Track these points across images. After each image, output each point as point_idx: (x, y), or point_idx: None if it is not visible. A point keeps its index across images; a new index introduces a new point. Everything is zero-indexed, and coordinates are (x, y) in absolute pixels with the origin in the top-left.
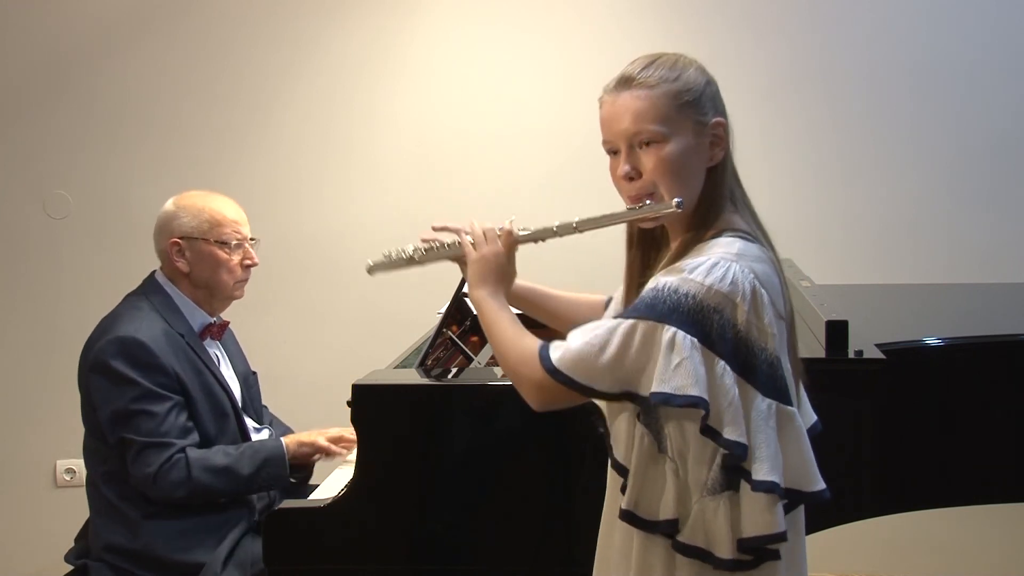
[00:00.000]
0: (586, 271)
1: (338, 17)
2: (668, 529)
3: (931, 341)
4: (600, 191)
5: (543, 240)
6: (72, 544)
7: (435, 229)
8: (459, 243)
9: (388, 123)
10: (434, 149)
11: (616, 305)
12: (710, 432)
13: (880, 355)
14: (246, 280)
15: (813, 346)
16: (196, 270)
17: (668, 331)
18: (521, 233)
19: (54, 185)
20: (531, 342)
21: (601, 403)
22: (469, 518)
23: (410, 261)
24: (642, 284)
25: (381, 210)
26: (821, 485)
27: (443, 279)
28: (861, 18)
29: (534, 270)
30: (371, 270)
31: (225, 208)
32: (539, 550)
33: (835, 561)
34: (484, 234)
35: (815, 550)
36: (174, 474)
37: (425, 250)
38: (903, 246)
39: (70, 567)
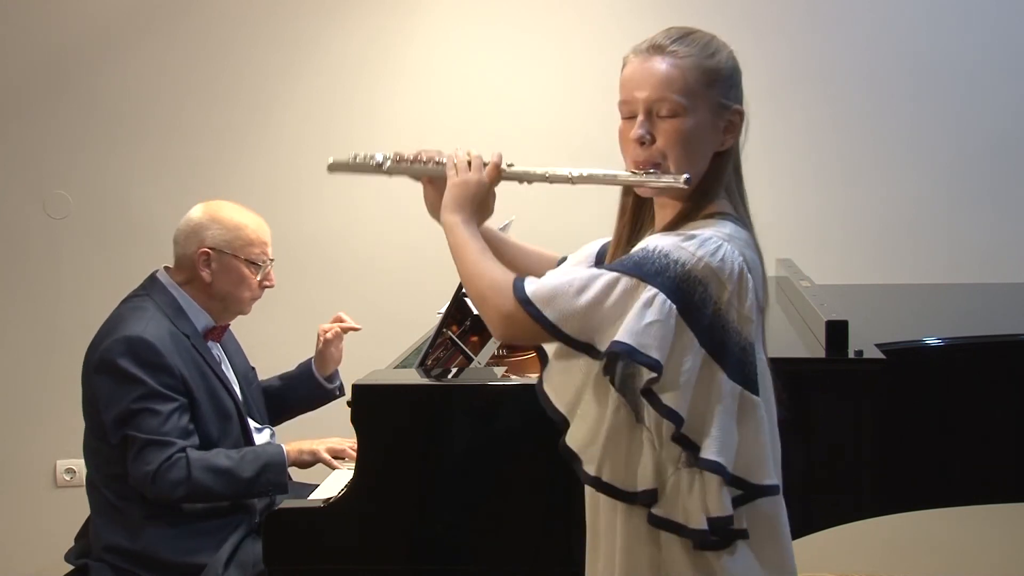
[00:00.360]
0: None
1: (338, 17)
2: (646, 499)
3: (931, 341)
4: (600, 190)
5: (529, 182)
6: (72, 544)
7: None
8: (438, 163)
9: (388, 123)
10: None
11: (575, 261)
12: (648, 395)
13: (880, 355)
14: (258, 299)
15: (813, 346)
16: (219, 282)
17: (649, 291)
18: (509, 169)
19: (54, 185)
20: (503, 272)
21: (557, 356)
22: (469, 518)
23: (377, 168)
24: (627, 252)
25: (381, 210)
26: (772, 480)
27: (443, 279)
28: (861, 18)
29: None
30: (331, 168)
31: (259, 228)
32: (539, 550)
33: (835, 561)
34: (470, 161)
35: (815, 550)
36: (173, 473)
37: (397, 160)
38: (903, 246)
39: (70, 567)
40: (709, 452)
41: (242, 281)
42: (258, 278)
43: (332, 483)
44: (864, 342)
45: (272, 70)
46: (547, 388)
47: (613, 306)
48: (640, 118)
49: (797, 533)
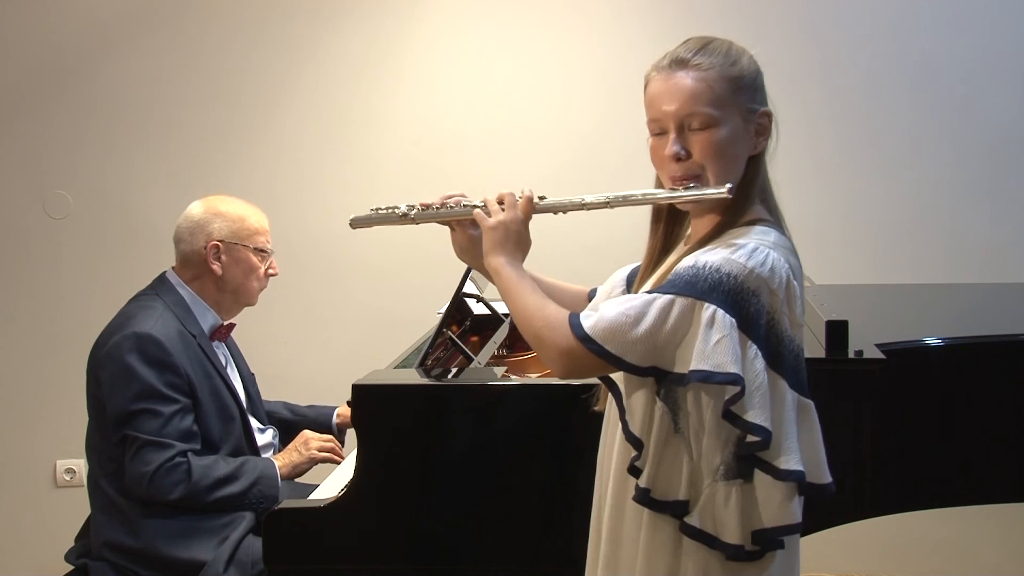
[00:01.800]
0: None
1: (338, 18)
2: (678, 510)
3: (931, 341)
4: (600, 191)
5: (564, 212)
6: (72, 544)
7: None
8: (467, 206)
9: (388, 124)
10: (434, 150)
11: (605, 291)
12: (730, 416)
13: (880, 355)
14: (263, 289)
15: (813, 346)
16: (229, 274)
17: (708, 309)
18: (543, 202)
19: (54, 185)
20: (557, 309)
21: (618, 376)
22: (469, 518)
23: (403, 218)
24: (658, 267)
25: None
26: (828, 479)
27: (443, 279)
28: (861, 18)
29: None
30: (353, 223)
31: (259, 217)
32: (539, 550)
33: (835, 561)
34: (502, 200)
35: (815, 550)
36: (173, 476)
37: (423, 207)
38: (903, 246)
39: (70, 567)
40: (791, 463)
41: (251, 270)
42: (264, 267)
43: (332, 483)
44: (864, 342)
45: (272, 70)
46: (628, 416)
47: (673, 329)
48: (672, 134)
49: None
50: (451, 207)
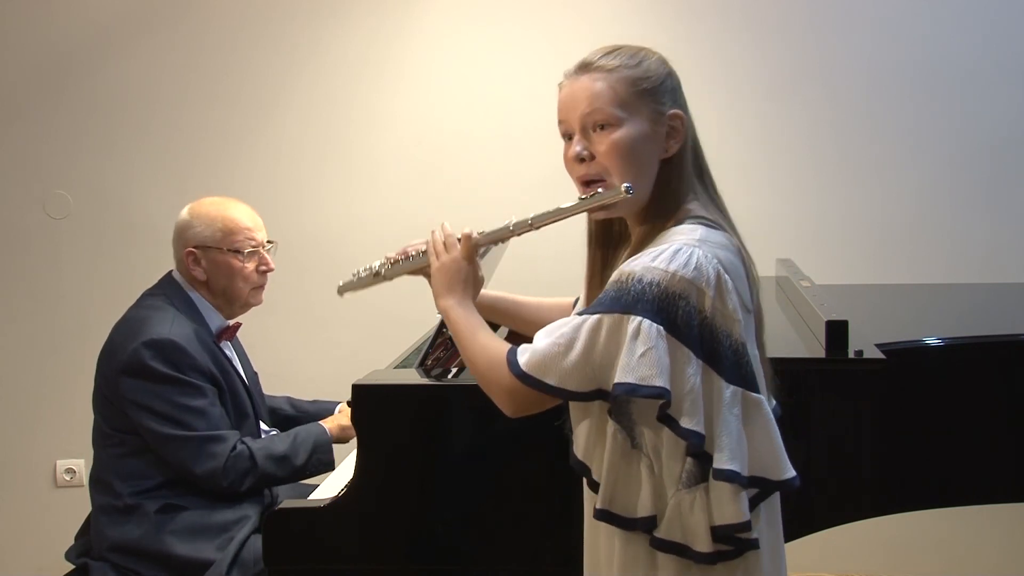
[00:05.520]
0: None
1: (338, 18)
2: (646, 526)
3: (931, 341)
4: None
5: (504, 241)
6: (72, 543)
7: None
8: (423, 254)
9: (388, 124)
10: (434, 150)
11: (581, 304)
12: (667, 420)
13: (880, 355)
14: (263, 286)
15: (813, 346)
16: (212, 278)
17: (634, 321)
18: (479, 236)
19: (54, 185)
20: (499, 347)
21: (572, 408)
22: (469, 518)
23: (377, 276)
24: (604, 281)
25: (381, 211)
26: (790, 473)
27: None
28: (861, 18)
29: (525, 279)
30: (341, 290)
31: (239, 215)
32: (538, 550)
33: (835, 561)
34: (444, 242)
35: (815, 550)
36: (240, 464)
37: (392, 263)
38: (903, 246)
39: (71, 566)
40: (722, 462)
41: (233, 273)
42: (250, 266)
43: (332, 483)
44: (864, 342)
45: (272, 70)
46: (573, 439)
47: (605, 348)
48: (576, 136)
49: (797, 533)
50: (412, 256)
